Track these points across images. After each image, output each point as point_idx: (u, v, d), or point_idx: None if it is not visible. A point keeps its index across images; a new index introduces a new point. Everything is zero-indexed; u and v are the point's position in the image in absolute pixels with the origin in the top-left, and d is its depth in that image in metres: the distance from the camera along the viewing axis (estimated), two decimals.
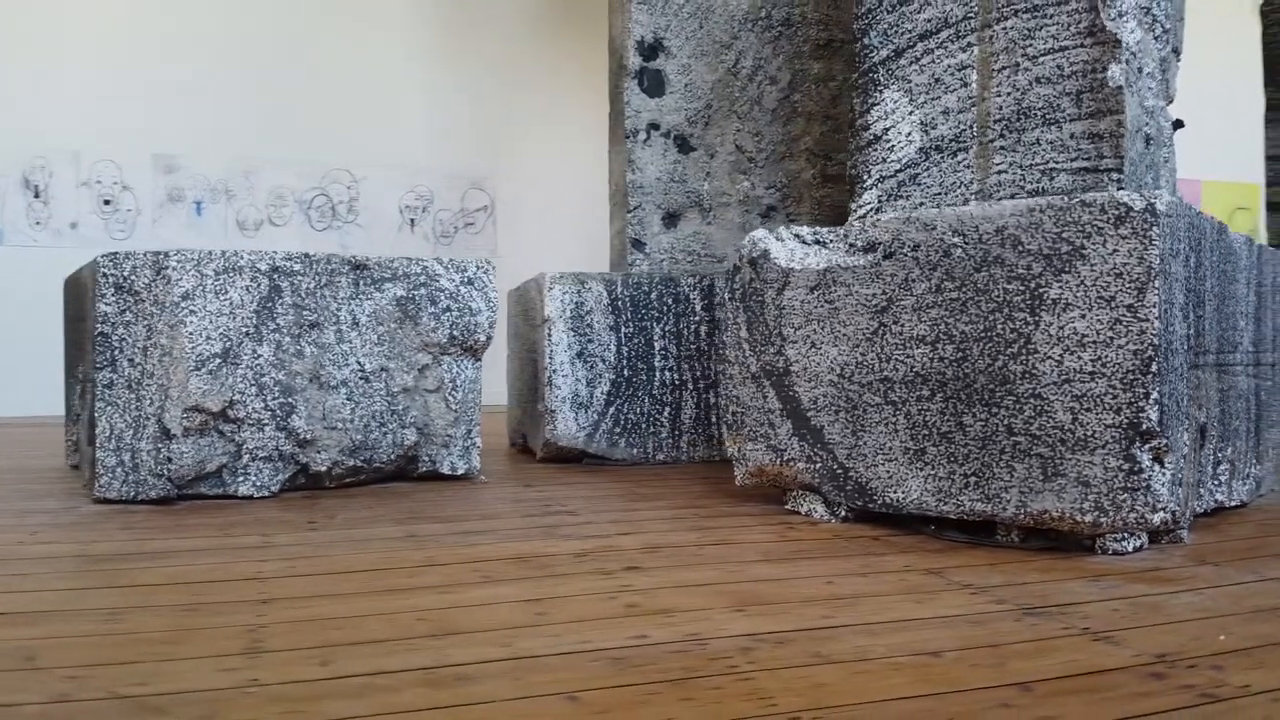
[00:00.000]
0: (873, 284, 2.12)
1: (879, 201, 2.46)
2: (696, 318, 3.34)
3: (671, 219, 3.50)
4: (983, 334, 1.95)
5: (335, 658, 1.28)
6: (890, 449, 2.09)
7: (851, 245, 2.20)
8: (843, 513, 2.20)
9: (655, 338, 3.30)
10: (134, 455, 2.43)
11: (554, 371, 3.19)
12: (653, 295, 3.30)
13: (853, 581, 1.70)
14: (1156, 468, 1.78)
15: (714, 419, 3.35)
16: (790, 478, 2.30)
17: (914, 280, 2.06)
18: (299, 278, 2.57)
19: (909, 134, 2.42)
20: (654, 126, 3.47)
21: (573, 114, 6.62)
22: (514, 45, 6.80)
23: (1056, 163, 2.21)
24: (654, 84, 3.46)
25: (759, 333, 2.32)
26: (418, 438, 2.78)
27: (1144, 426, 1.77)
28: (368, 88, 6.42)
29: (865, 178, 2.49)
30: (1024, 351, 1.90)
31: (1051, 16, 2.22)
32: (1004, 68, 2.29)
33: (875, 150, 2.47)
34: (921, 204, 2.38)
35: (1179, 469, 1.84)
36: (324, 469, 2.64)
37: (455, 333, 2.79)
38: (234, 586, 1.65)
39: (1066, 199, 1.87)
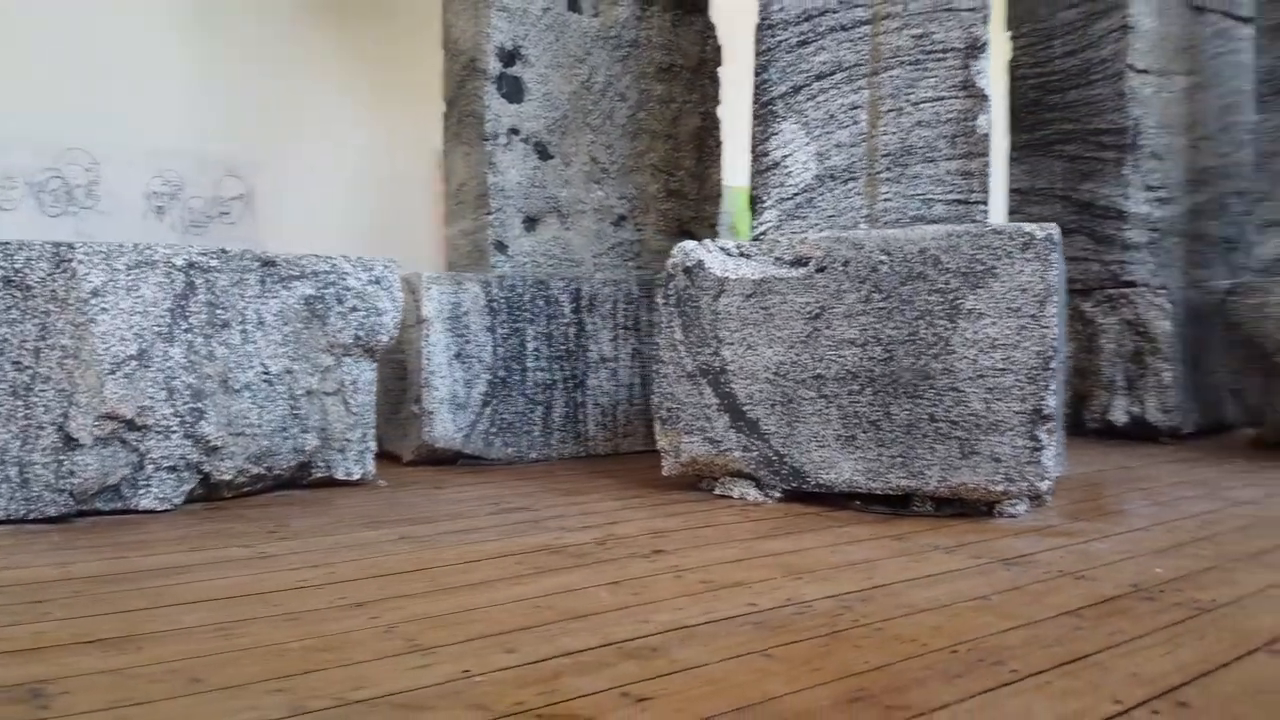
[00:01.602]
0: (807, 293, 2.43)
1: (778, 220, 2.78)
2: (566, 320, 3.49)
3: (531, 223, 3.60)
4: (908, 337, 2.33)
5: (512, 645, 1.35)
6: (824, 436, 2.41)
7: (779, 259, 2.50)
8: (776, 494, 2.49)
9: (528, 339, 3.40)
10: (23, 469, 2.17)
11: (432, 373, 3.20)
12: (526, 297, 3.40)
13: (849, 550, 1.98)
14: (1048, 444, 2.25)
15: (581, 417, 3.52)
16: (723, 466, 2.55)
17: (845, 291, 2.39)
18: (215, 274, 2.41)
19: (805, 162, 2.76)
20: (514, 131, 3.56)
21: (342, 102, 6.38)
22: (279, 26, 6.43)
23: (934, 195, 2.66)
24: (513, 90, 3.55)
25: (695, 335, 2.55)
26: (318, 442, 2.70)
27: (1044, 411, 2.22)
28: (110, 60, 5.78)
29: (765, 199, 2.80)
30: (944, 352, 2.29)
31: (931, 70, 2.66)
32: (890, 110, 2.70)
33: (774, 175, 2.79)
34: (817, 224, 2.73)
35: (1056, 445, 2.33)
36: (228, 478, 2.49)
37: (360, 333, 2.74)
38: (303, 595, 1.60)
39: (981, 227, 2.29)
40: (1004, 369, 2.24)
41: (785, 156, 2.78)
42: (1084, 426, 4.07)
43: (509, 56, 3.54)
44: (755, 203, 2.83)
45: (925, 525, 2.24)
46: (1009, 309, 2.24)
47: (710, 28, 4.00)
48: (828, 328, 2.40)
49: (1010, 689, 1.21)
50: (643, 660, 1.31)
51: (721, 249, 2.60)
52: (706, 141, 3.99)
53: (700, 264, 2.55)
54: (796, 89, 2.78)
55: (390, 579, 1.72)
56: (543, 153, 3.62)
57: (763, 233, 2.78)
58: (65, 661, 1.27)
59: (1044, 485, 2.27)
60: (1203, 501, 2.56)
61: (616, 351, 3.61)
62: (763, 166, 2.81)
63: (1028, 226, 2.25)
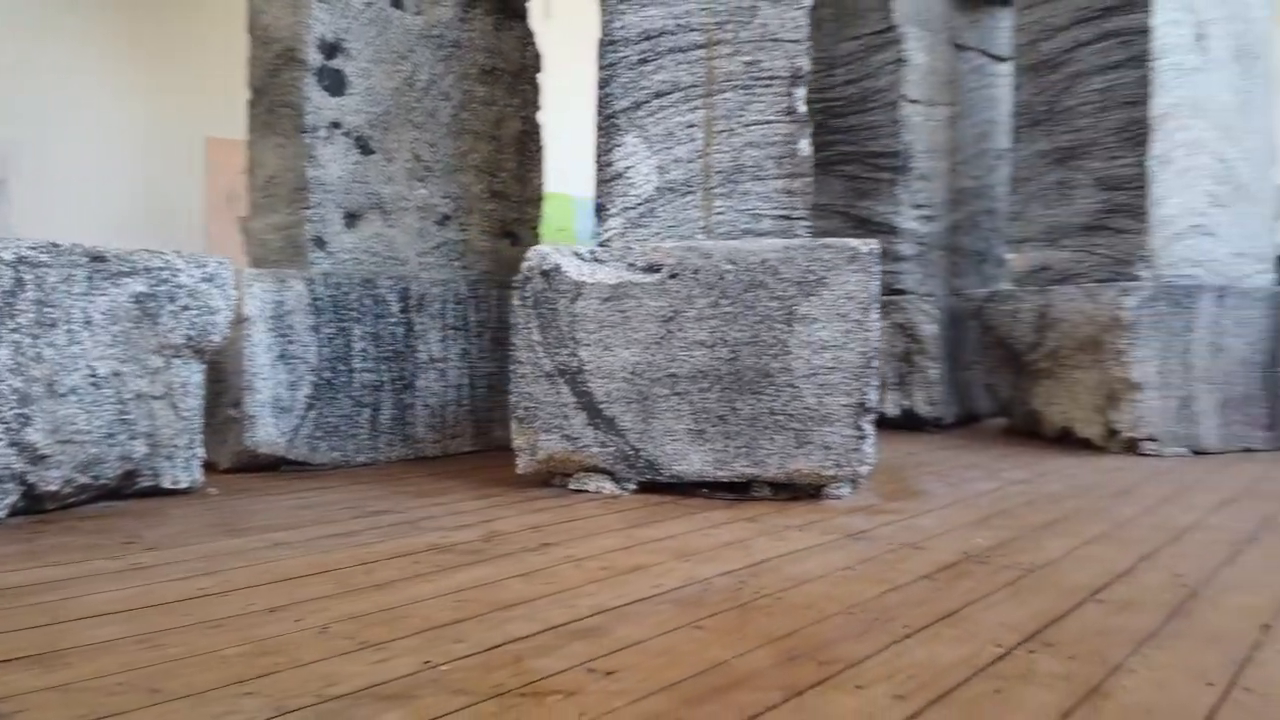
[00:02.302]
0: (660, 298, 2.59)
1: (622, 228, 2.92)
2: (394, 319, 3.45)
3: (353, 219, 3.53)
4: (750, 339, 2.55)
5: (458, 636, 1.41)
6: (676, 431, 2.59)
7: (632, 265, 2.65)
8: (631, 487, 2.64)
9: (355, 339, 3.34)
10: None
11: (254, 375, 3.07)
12: (352, 296, 3.33)
13: (717, 532, 2.17)
14: (869, 434, 2.55)
15: (410, 419, 3.49)
16: (579, 462, 2.66)
17: (695, 296, 2.58)
18: (45, 270, 2.22)
19: (647, 174, 2.93)
20: (336, 125, 3.47)
21: (108, 86, 5.87)
22: (35, 7, 5.80)
23: (763, 210, 2.91)
24: (335, 83, 3.46)
25: (552, 336, 2.64)
26: (147, 449, 2.55)
27: (867, 405, 2.52)
28: None
29: (610, 207, 2.94)
30: (782, 352, 2.54)
31: (760, 95, 2.91)
32: (723, 130, 2.92)
33: (618, 185, 2.93)
34: (658, 233, 2.91)
35: (873, 434, 2.63)
36: (54, 489, 2.30)
37: (193, 333, 2.61)
38: (211, 603, 1.56)
39: (813, 241, 2.55)
40: (833, 367, 2.52)
41: (628, 168, 2.93)
42: None
43: (330, 49, 3.45)
44: (600, 210, 2.96)
45: (769, 508, 2.47)
46: (837, 314, 2.52)
47: (530, 34, 4.09)
48: (680, 330, 2.58)
49: (911, 640, 1.42)
50: (590, 640, 1.41)
51: (575, 254, 2.71)
52: (528, 145, 4.07)
53: (557, 268, 2.65)
54: (638, 104, 2.94)
55: (292, 583, 1.70)
56: (365, 148, 3.56)
57: (608, 239, 2.92)
58: (3, 680, 1.19)
59: (864, 470, 2.57)
60: (985, 482, 2.98)
61: (445, 352, 3.62)
62: (607, 176, 2.95)
63: (853, 242, 2.54)
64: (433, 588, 1.68)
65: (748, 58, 2.93)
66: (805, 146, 2.92)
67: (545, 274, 2.66)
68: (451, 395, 3.64)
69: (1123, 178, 3.85)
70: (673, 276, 2.59)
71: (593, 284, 2.62)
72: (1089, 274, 4.00)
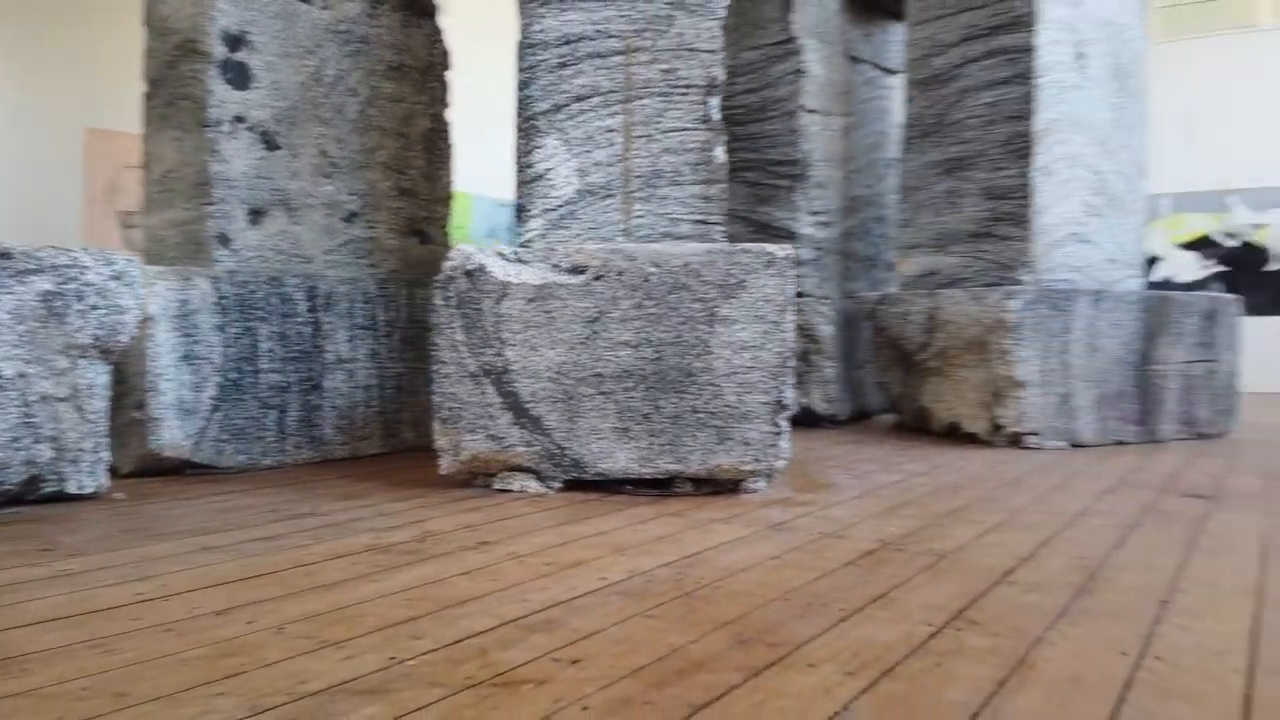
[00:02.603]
0: (586, 299, 2.64)
1: (544, 229, 2.96)
2: (301, 319, 3.38)
3: (257, 215, 3.44)
4: (674, 340, 2.63)
5: (417, 632, 1.43)
6: (602, 429, 2.64)
7: (556, 266, 2.69)
8: (556, 485, 2.68)
9: (261, 338, 3.26)
10: None
11: (158, 376, 2.97)
12: (259, 294, 3.25)
13: (647, 527, 2.23)
14: (785, 430, 2.66)
15: (318, 421, 3.43)
16: (504, 461, 2.68)
17: (620, 298, 2.64)
18: None
19: (567, 177, 2.97)
20: (240, 119, 3.38)
21: None
22: None
23: (680, 215, 2.99)
24: (239, 76, 3.37)
25: (477, 336, 2.66)
26: (52, 454, 2.44)
27: (783, 402, 2.63)
28: None
29: (531, 208, 2.96)
30: (704, 353, 2.62)
31: (676, 103, 2.99)
32: (642, 136, 2.99)
33: (539, 186, 2.96)
34: (579, 235, 2.96)
35: (789, 430, 2.75)
36: None
37: (100, 333, 2.51)
38: (155, 607, 1.52)
39: (733, 246, 2.64)
40: (752, 367, 2.62)
41: (549, 170, 2.96)
42: None
43: (234, 41, 3.36)
44: (521, 211, 2.98)
45: (692, 503, 2.55)
46: (756, 316, 2.62)
47: (438, 32, 4.06)
48: (605, 331, 2.63)
49: (848, 622, 1.51)
50: (548, 632, 1.45)
51: (499, 254, 2.73)
52: (437, 143, 4.05)
53: (482, 268, 2.66)
54: (558, 107, 2.98)
55: (233, 587, 1.68)
56: (270, 143, 3.48)
57: (529, 240, 2.94)
58: None
59: (780, 464, 2.69)
60: (886, 474, 3.14)
61: (354, 352, 3.57)
62: (528, 178, 2.97)
63: (770, 247, 2.65)
64: (379, 587, 1.69)
65: (665, 66, 3.00)
66: (720, 154, 3.02)
67: (469, 274, 2.67)
68: (360, 396, 3.59)
69: (1007, 188, 4.10)
70: (598, 278, 2.64)
71: (518, 284, 2.65)
72: (975, 278, 4.24)
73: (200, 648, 1.35)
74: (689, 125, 3.00)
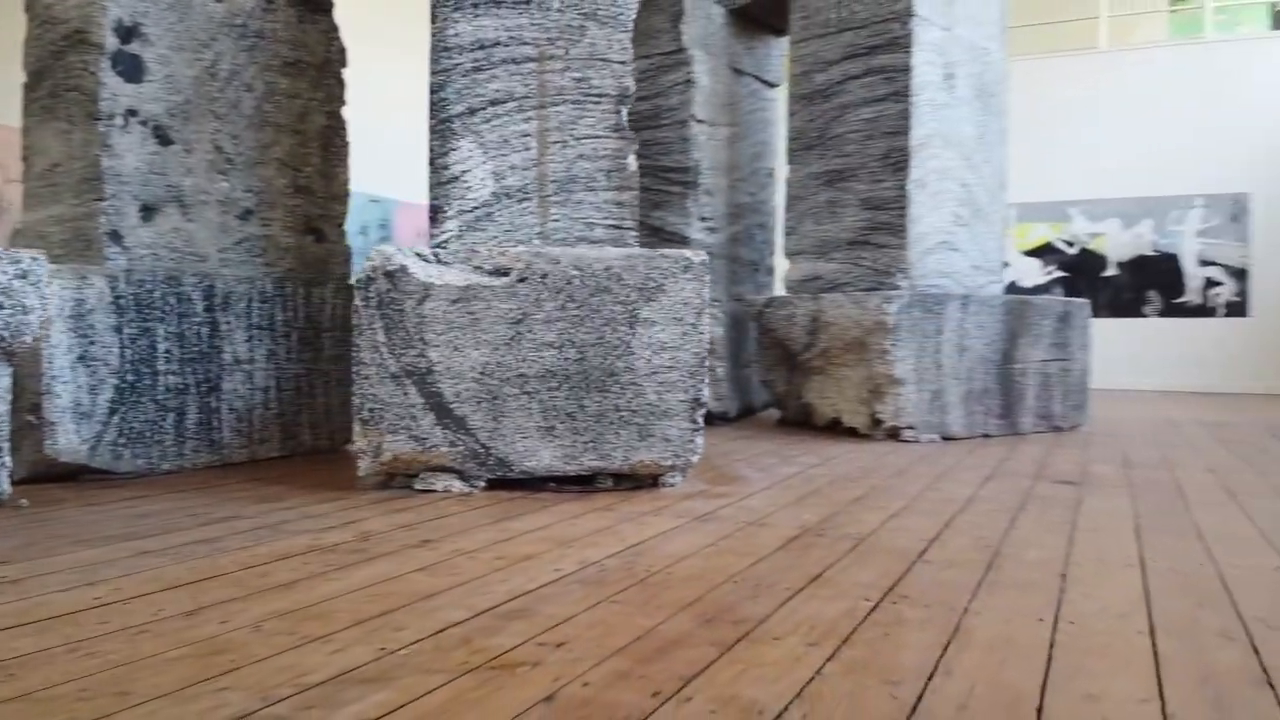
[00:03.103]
0: (510, 300, 2.70)
1: (459, 230, 2.99)
2: (199, 319, 3.29)
3: (149, 212, 3.32)
4: (597, 341, 2.72)
5: (397, 624, 1.48)
6: (527, 428, 2.70)
7: (478, 268, 2.73)
8: (480, 484, 2.72)
9: (159, 339, 3.15)
10: None
11: (54, 378, 2.84)
12: (156, 294, 3.15)
13: (581, 522, 2.31)
14: (701, 426, 2.79)
15: (216, 424, 3.34)
16: (426, 462, 2.71)
17: (544, 300, 2.71)
18: None
19: (483, 179, 3.01)
20: (132, 113, 3.25)
21: None
22: None
23: (595, 219, 3.08)
24: (132, 69, 3.25)
25: (399, 337, 2.67)
26: None
27: (700, 400, 2.76)
28: None
29: (447, 209, 2.99)
30: (626, 353, 2.73)
31: (590, 111, 3.08)
32: (557, 142, 3.07)
33: (454, 188, 3.00)
34: (495, 237, 3.01)
35: (703, 428, 2.88)
36: None
37: (4, 334, 2.40)
38: (117, 611, 1.50)
39: (653, 251, 2.76)
40: (671, 366, 2.74)
41: (464, 172, 3.00)
42: None
43: (127, 32, 3.24)
44: (436, 212, 3.01)
45: (616, 498, 2.65)
46: (674, 319, 2.74)
47: (335, 28, 4.01)
48: (530, 332, 2.70)
49: (795, 600, 1.65)
50: (525, 619, 1.52)
51: (418, 255, 2.75)
52: (333, 140, 4.00)
53: (403, 268, 2.68)
54: (473, 111, 3.01)
55: (189, 589, 1.67)
56: (163, 138, 3.37)
57: (445, 240, 2.97)
58: None
59: (695, 459, 2.82)
60: (785, 466, 3.32)
61: (252, 353, 3.49)
62: (443, 179, 3.00)
63: (687, 253, 2.77)
64: (338, 586, 1.71)
65: (578, 74, 3.09)
66: (632, 162, 3.13)
67: (389, 275, 2.68)
68: (258, 399, 3.52)
69: (885, 199, 4.38)
70: (521, 280, 2.71)
71: (441, 285, 2.68)
72: (855, 283, 4.51)
73: (182, 647, 1.35)
74: (602, 133, 3.09)
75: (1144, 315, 9.91)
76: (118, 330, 3.03)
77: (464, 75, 3.01)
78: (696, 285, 2.76)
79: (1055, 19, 10.42)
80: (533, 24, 3.06)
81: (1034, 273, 10.21)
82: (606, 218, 3.10)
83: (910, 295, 4.22)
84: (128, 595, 1.61)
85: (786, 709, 1.16)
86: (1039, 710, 1.16)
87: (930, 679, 1.27)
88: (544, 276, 2.71)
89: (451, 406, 2.68)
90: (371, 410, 2.68)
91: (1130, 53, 10.25)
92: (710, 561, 1.92)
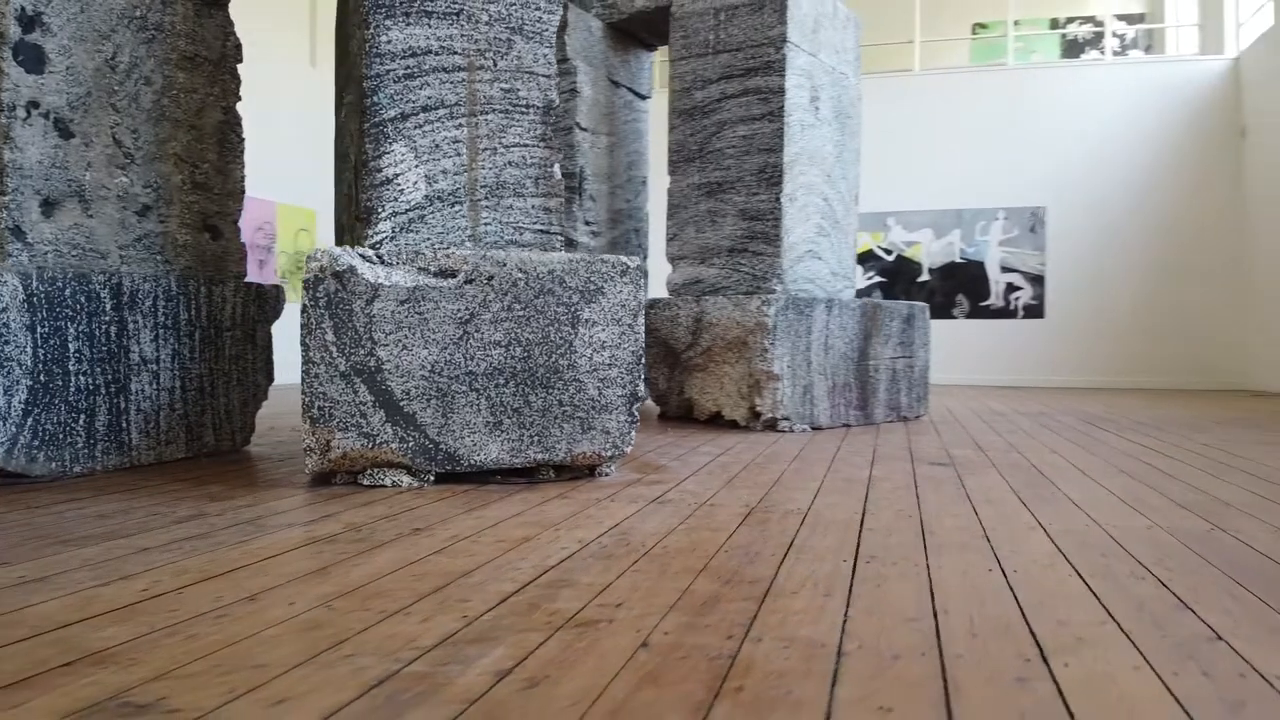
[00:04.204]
0: (458, 301, 2.82)
1: (393, 232, 3.08)
2: (107, 318, 3.19)
3: (50, 207, 3.19)
4: (542, 340, 2.89)
5: (459, 597, 1.62)
6: (475, 424, 2.83)
7: (423, 269, 2.84)
8: (430, 479, 2.83)
9: (70, 339, 3.04)
10: None
11: None
12: (67, 292, 3.04)
13: (550, 508, 2.48)
14: (637, 419, 3.02)
15: (125, 425, 3.25)
16: (375, 458, 2.79)
17: (491, 300, 2.85)
18: None
19: (416, 183, 3.11)
20: (34, 105, 3.12)
21: None
22: None
23: (524, 224, 3.24)
24: (33, 60, 3.11)
25: (348, 337, 2.74)
26: None
27: (637, 395, 2.98)
28: None
29: (380, 210, 3.07)
30: (569, 352, 2.91)
31: (518, 120, 3.24)
32: (487, 149, 3.20)
33: (388, 190, 3.08)
34: (428, 239, 3.11)
35: (635, 418, 3.11)
36: None
37: None
38: (157, 607, 1.56)
39: (593, 256, 2.95)
40: (610, 364, 2.95)
41: (397, 175, 3.09)
42: None
43: (29, 22, 3.11)
44: (369, 213, 3.07)
45: (564, 487, 2.83)
46: (613, 319, 2.95)
47: (230, 23, 3.95)
48: (477, 331, 2.83)
49: (787, 563, 1.90)
50: (569, 588, 1.70)
51: (361, 256, 2.82)
52: (229, 136, 3.93)
53: (352, 269, 2.75)
54: (405, 116, 3.11)
55: (227, 578, 1.73)
56: (64, 131, 3.25)
57: (378, 241, 3.05)
58: (103, 681, 1.19)
59: (628, 450, 3.04)
60: (695, 456, 3.59)
61: (158, 353, 3.41)
62: (376, 181, 3.07)
63: (624, 258, 2.99)
64: (369, 570, 1.82)
65: (506, 85, 3.24)
66: (558, 171, 3.31)
67: (338, 275, 2.74)
68: (164, 399, 3.45)
69: (761, 211, 4.75)
70: (469, 282, 2.84)
71: (390, 286, 2.77)
72: (734, 287, 4.85)
73: (272, 627, 1.44)
74: (529, 142, 3.25)
75: (954, 316, 10.91)
76: (31, 329, 2.92)
77: (396, 81, 3.09)
78: (633, 289, 2.98)
79: (874, 42, 11.29)
80: (462, 35, 3.18)
81: (856, 278, 11.02)
82: (535, 223, 3.26)
83: (786, 299, 4.60)
84: (171, 587, 1.66)
85: (841, 643, 1.41)
86: (1031, 632, 1.46)
87: (935, 617, 1.55)
88: (490, 279, 2.85)
89: (401, 404, 2.78)
90: (321, 408, 2.73)
91: (940, 76, 11.27)
92: (691, 537, 2.15)
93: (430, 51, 3.15)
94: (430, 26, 3.14)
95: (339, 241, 3.83)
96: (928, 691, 1.20)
